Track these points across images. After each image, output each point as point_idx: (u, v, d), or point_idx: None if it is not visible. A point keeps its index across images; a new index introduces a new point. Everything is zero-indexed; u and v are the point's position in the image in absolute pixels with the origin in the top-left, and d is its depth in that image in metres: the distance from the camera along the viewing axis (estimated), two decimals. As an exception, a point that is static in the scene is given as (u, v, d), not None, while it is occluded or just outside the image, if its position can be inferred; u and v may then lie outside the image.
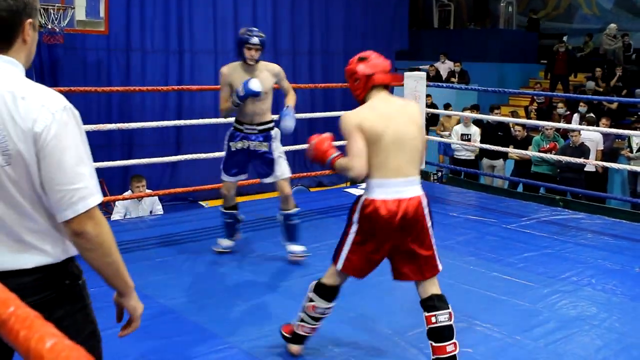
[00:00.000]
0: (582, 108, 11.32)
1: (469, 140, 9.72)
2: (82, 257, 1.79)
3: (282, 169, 4.84)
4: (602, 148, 9.90)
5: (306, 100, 11.41)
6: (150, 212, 7.07)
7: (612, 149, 10.29)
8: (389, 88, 3.18)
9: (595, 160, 9.42)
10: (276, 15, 11.23)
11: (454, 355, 3.04)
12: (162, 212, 7.12)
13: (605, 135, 9.75)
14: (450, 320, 3.06)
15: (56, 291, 1.81)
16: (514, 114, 11.03)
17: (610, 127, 9.94)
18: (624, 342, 3.69)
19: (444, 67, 14.74)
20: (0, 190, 1.70)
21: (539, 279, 4.63)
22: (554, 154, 8.61)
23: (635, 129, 10.44)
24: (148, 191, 7.05)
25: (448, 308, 3.07)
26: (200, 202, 9.44)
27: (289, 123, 4.62)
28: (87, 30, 8.94)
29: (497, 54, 15.62)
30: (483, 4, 18.70)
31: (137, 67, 10.16)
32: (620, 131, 9.10)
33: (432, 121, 11.35)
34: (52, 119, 1.67)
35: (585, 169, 9.50)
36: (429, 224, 3.07)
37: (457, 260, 4.98)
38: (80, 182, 1.70)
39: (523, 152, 8.62)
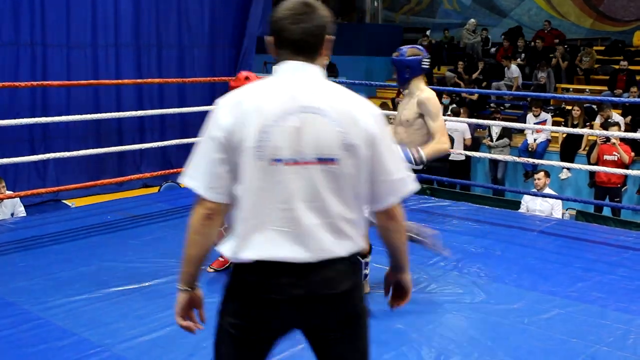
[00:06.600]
0: (445, 100, 11.78)
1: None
2: (385, 240, 2.05)
3: None
4: (469, 137, 10.41)
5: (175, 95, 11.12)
6: (12, 214, 6.71)
7: (474, 138, 10.80)
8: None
9: (464, 148, 9.91)
10: (140, 8, 10.85)
11: None
12: (24, 214, 6.77)
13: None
14: None
15: (358, 277, 2.03)
16: (383, 105, 11.32)
17: (471, 117, 10.43)
18: (489, 322, 3.89)
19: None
20: (335, 182, 1.88)
21: (408, 266, 4.77)
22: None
23: (494, 119, 11.02)
24: (8, 192, 6.69)
25: None
26: (66, 202, 9.04)
27: None
28: None
29: (364, 47, 15.97)
30: (350, -1, 19.07)
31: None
32: (481, 121, 9.59)
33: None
34: (380, 121, 1.94)
35: (452, 158, 9.97)
36: None
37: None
38: (400, 172, 1.98)
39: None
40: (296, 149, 1.84)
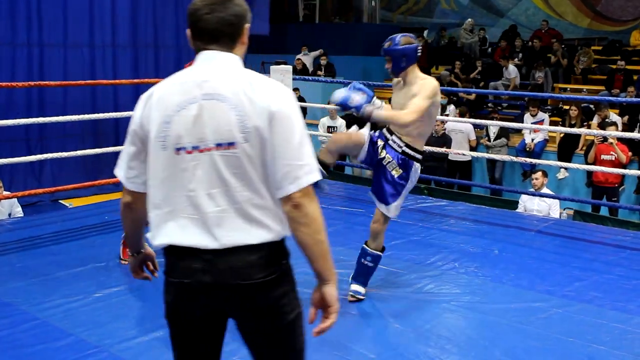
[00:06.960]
0: (443, 100, 11.79)
1: (334, 132, 9.88)
2: (293, 233, 1.88)
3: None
4: (474, 138, 10.42)
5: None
6: (9, 215, 6.70)
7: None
8: None
9: (469, 149, 9.93)
10: (137, 8, 10.82)
11: None
12: (22, 215, 6.77)
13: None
14: None
15: (277, 270, 1.91)
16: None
17: (469, 117, 10.44)
18: (486, 321, 3.89)
19: (309, 59, 14.92)
20: (237, 167, 1.85)
21: (406, 266, 4.78)
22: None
23: (492, 118, 11.03)
24: (5, 193, 6.68)
25: None
26: (63, 202, 9.04)
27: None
28: None
29: (362, 47, 15.97)
30: (347, -1, 19.08)
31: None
32: (478, 121, 9.60)
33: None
34: (283, 101, 1.87)
35: (453, 159, 10.00)
36: None
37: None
38: (304, 159, 1.85)
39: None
40: (197, 136, 1.86)
